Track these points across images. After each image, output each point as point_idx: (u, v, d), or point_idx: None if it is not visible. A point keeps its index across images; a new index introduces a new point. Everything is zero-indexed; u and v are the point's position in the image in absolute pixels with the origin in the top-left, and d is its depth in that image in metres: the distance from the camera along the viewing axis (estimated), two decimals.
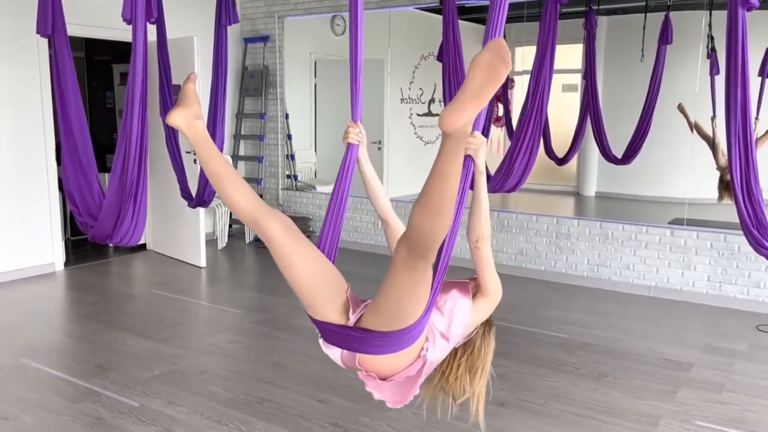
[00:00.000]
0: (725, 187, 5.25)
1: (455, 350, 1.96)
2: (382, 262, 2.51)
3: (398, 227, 2.11)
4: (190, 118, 1.78)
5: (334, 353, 1.88)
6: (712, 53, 5.32)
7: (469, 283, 1.96)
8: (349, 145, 2.05)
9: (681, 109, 5.48)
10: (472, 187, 1.84)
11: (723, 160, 5.29)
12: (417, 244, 1.53)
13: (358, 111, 2.07)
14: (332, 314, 1.80)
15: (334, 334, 1.82)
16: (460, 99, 1.37)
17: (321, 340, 1.90)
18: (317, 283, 1.80)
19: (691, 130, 5.39)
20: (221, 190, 1.77)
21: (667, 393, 3.32)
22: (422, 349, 1.82)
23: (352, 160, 2.04)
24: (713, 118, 5.37)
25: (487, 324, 2.00)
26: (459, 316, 1.88)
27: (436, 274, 1.71)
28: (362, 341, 1.77)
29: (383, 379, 1.87)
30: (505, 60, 1.37)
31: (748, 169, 2.73)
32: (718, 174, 5.34)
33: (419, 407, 2.07)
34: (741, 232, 4.62)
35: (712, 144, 5.35)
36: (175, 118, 1.76)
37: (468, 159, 1.74)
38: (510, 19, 6.88)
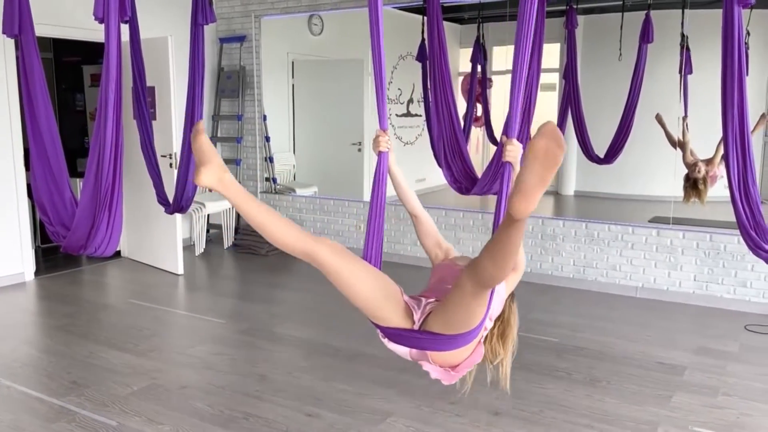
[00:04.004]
0: (692, 185, 5.20)
1: None
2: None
3: (428, 222, 2.33)
4: (218, 173, 1.78)
5: (402, 350, 2.01)
6: (686, 52, 5.30)
7: None
8: (380, 154, 2.14)
9: (659, 120, 5.44)
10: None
11: (690, 158, 5.26)
12: (485, 283, 1.70)
13: (385, 120, 2.12)
14: (396, 320, 1.93)
15: (402, 337, 1.95)
16: (526, 188, 1.44)
17: (385, 340, 2.02)
18: (378, 296, 1.91)
19: (672, 145, 5.34)
20: (267, 236, 1.84)
21: (662, 398, 3.26)
22: (481, 337, 2.00)
23: (384, 167, 2.12)
24: (684, 117, 5.35)
25: (511, 295, 2.14)
26: (497, 295, 1.96)
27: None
28: (432, 342, 1.90)
29: (453, 367, 2.03)
30: (560, 144, 1.42)
31: (745, 170, 2.67)
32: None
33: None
34: (727, 231, 4.67)
35: (682, 144, 5.32)
36: (204, 179, 1.76)
37: (507, 165, 1.94)
38: (489, 18, 6.79)
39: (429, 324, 1.90)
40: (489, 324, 2.04)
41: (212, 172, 1.76)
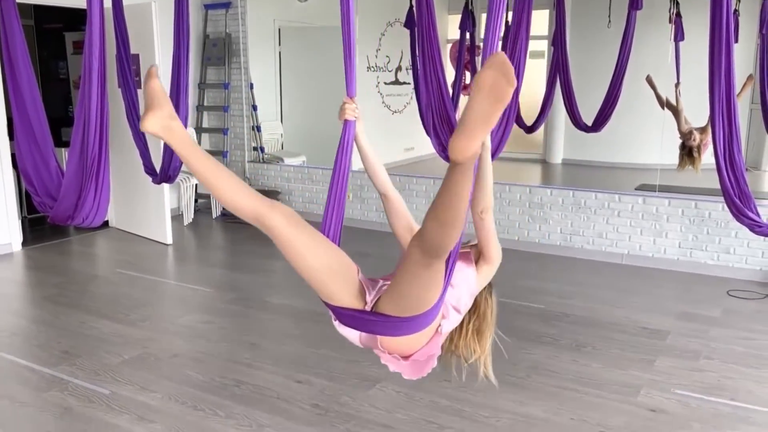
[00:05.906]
0: (688, 153, 5.26)
1: (463, 317, 1.96)
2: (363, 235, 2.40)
3: (397, 201, 2.10)
4: (165, 120, 1.61)
5: (352, 334, 1.86)
6: (677, 19, 5.28)
7: (470, 252, 1.96)
8: (346, 122, 1.95)
9: (649, 81, 5.44)
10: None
11: (685, 126, 5.30)
12: (432, 249, 1.54)
13: (353, 86, 1.97)
14: (348, 299, 1.77)
15: (352, 318, 1.79)
16: (467, 126, 1.29)
17: (336, 322, 1.87)
18: (329, 272, 1.74)
19: (661, 106, 5.36)
20: (216, 193, 1.67)
21: (645, 362, 3.34)
22: (439, 325, 1.84)
23: (349, 137, 1.95)
24: (677, 84, 5.36)
25: (488, 287, 2.01)
26: (467, 286, 1.89)
27: (449, 261, 1.67)
28: (382, 325, 1.75)
29: (405, 357, 1.87)
30: (509, 77, 1.27)
31: (731, 137, 2.70)
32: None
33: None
34: (711, 199, 4.71)
35: (676, 111, 5.35)
36: (149, 124, 1.59)
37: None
38: None
39: (381, 304, 1.75)
40: (456, 318, 1.91)
41: (159, 117, 1.60)
